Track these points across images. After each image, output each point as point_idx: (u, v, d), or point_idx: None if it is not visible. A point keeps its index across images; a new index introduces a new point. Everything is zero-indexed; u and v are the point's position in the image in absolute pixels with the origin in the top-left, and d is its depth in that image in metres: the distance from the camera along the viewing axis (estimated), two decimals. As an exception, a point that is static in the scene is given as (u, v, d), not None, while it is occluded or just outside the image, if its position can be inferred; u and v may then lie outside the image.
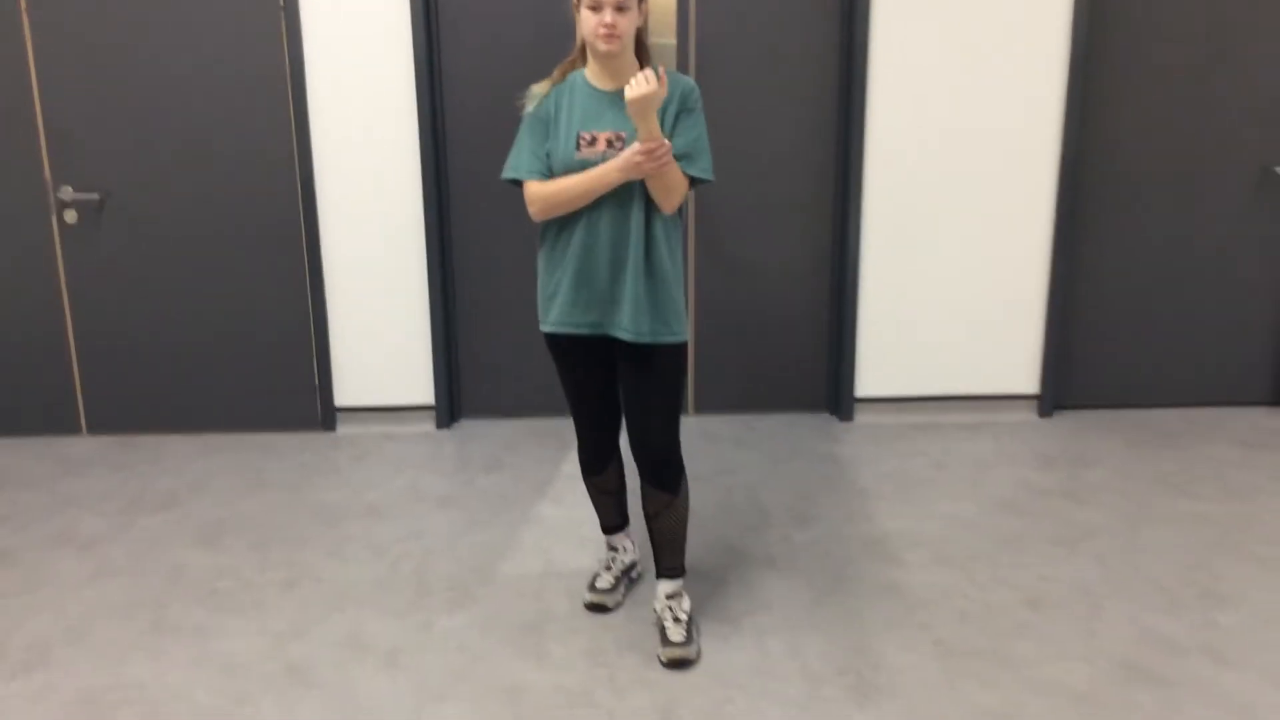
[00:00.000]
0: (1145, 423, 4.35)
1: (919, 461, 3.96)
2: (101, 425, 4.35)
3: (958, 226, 4.24)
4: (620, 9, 2.36)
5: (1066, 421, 4.39)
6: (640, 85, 2.22)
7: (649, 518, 2.68)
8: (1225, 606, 2.85)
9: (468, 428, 4.42)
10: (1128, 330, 4.46)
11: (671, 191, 2.42)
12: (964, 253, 4.27)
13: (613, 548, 2.99)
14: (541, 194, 2.47)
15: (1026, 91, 4.11)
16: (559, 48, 4.03)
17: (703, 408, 4.52)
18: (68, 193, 4.05)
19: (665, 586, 2.73)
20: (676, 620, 2.67)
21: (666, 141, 2.31)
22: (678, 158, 2.43)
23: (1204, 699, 2.42)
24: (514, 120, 2.58)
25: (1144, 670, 2.54)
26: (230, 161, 4.07)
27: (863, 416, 4.44)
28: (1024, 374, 4.40)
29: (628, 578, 3.01)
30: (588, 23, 2.39)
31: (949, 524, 3.41)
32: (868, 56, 4.05)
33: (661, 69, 2.28)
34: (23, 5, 3.89)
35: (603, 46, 2.39)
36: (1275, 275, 4.41)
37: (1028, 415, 4.44)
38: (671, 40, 4.11)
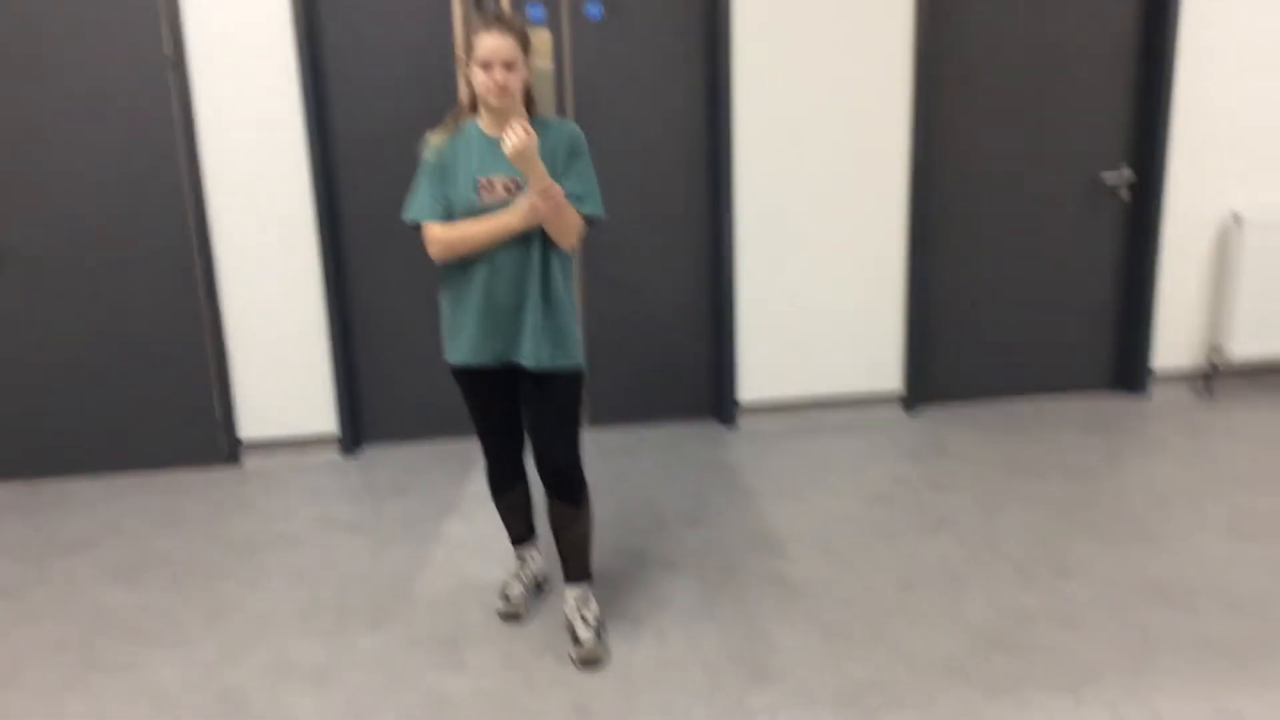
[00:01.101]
0: (998, 413, 4.77)
1: (799, 462, 4.27)
2: (7, 472, 4.36)
3: (822, 240, 4.58)
4: (508, 66, 2.59)
5: (929, 416, 4.77)
6: (513, 139, 2.43)
7: (555, 530, 2.89)
8: (1071, 577, 3.21)
9: (372, 454, 4.56)
10: (978, 328, 4.87)
11: (568, 230, 2.65)
12: (829, 264, 4.61)
13: (521, 559, 3.20)
14: (444, 238, 2.66)
15: (878, 109, 4.47)
16: (435, 84, 4.25)
17: (596, 421, 4.76)
18: (-36, 249, 4.09)
19: (573, 592, 2.96)
20: (585, 623, 2.89)
21: (556, 185, 2.54)
22: (570, 199, 2.66)
23: (1054, 661, 2.75)
24: (399, 146, 2.78)
25: (1002, 639, 2.87)
26: (125, 206, 4.15)
27: (746, 422, 4.74)
28: (889, 374, 4.77)
29: (537, 586, 3.23)
30: (479, 79, 2.60)
31: (828, 518, 3.72)
32: (731, 78, 4.35)
33: (525, 122, 2.48)
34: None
35: (494, 101, 2.61)
36: (1107, 272, 4.87)
37: (895, 413, 4.80)
38: (549, 65, 4.34)
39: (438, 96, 4.20)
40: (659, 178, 4.53)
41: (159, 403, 4.36)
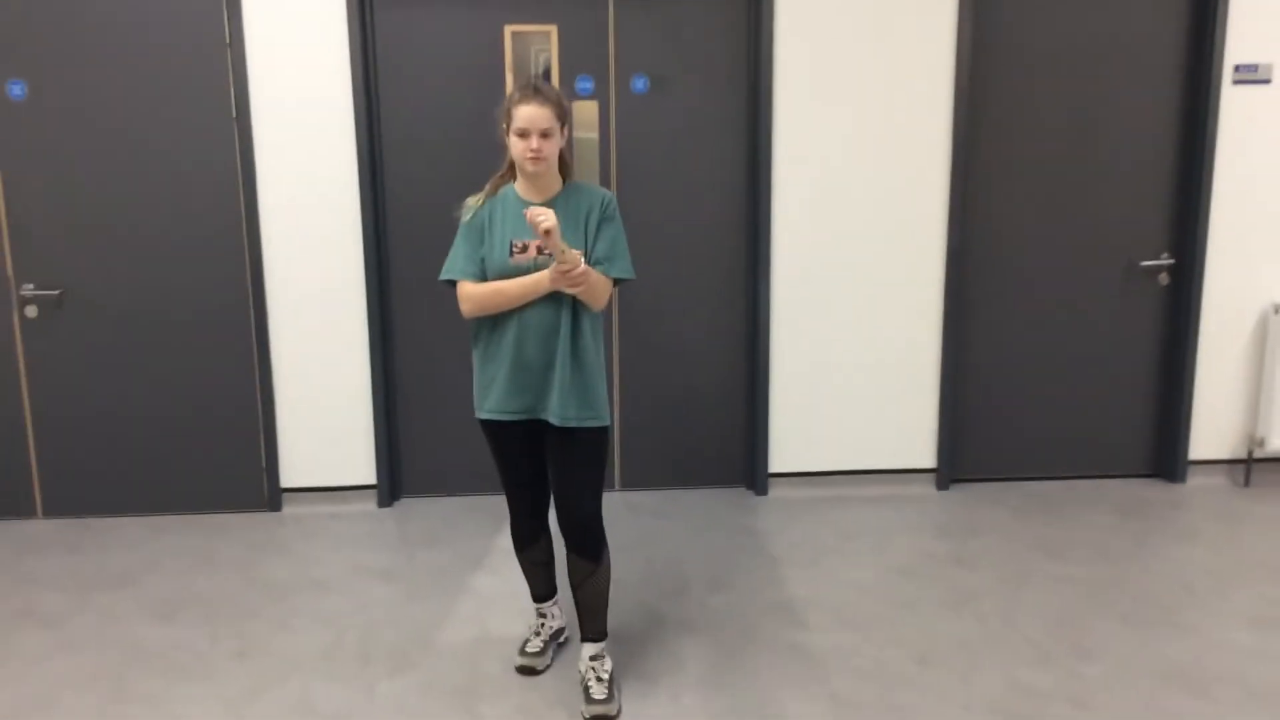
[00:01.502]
0: (1031, 493, 4.74)
1: (826, 532, 4.29)
2: (56, 508, 4.53)
3: (858, 316, 4.64)
4: (545, 135, 2.72)
5: (961, 493, 4.76)
6: (541, 221, 2.50)
7: (574, 586, 2.96)
8: (1089, 659, 3.20)
9: (407, 506, 4.66)
10: (1015, 408, 4.87)
11: (597, 296, 2.77)
12: (865, 339, 4.66)
13: (541, 615, 3.26)
14: (475, 294, 2.78)
15: (917, 185, 4.54)
16: (489, 156, 4.39)
17: (628, 483, 4.83)
18: (29, 289, 4.30)
19: (589, 649, 3.01)
20: (599, 680, 2.94)
21: (580, 263, 2.62)
22: (600, 261, 2.78)
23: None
24: (448, 216, 2.92)
25: (1013, 716, 2.87)
26: (183, 256, 4.34)
27: (776, 491, 4.77)
28: (922, 450, 4.78)
29: (555, 642, 3.29)
30: (516, 146, 2.74)
31: (851, 589, 3.73)
32: (771, 152, 4.46)
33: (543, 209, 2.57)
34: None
35: (530, 168, 2.75)
36: (1145, 356, 4.86)
37: (927, 488, 4.81)
38: (595, 135, 4.50)
39: (488, 165, 4.31)
40: (698, 246, 4.64)
41: (206, 449, 4.51)
